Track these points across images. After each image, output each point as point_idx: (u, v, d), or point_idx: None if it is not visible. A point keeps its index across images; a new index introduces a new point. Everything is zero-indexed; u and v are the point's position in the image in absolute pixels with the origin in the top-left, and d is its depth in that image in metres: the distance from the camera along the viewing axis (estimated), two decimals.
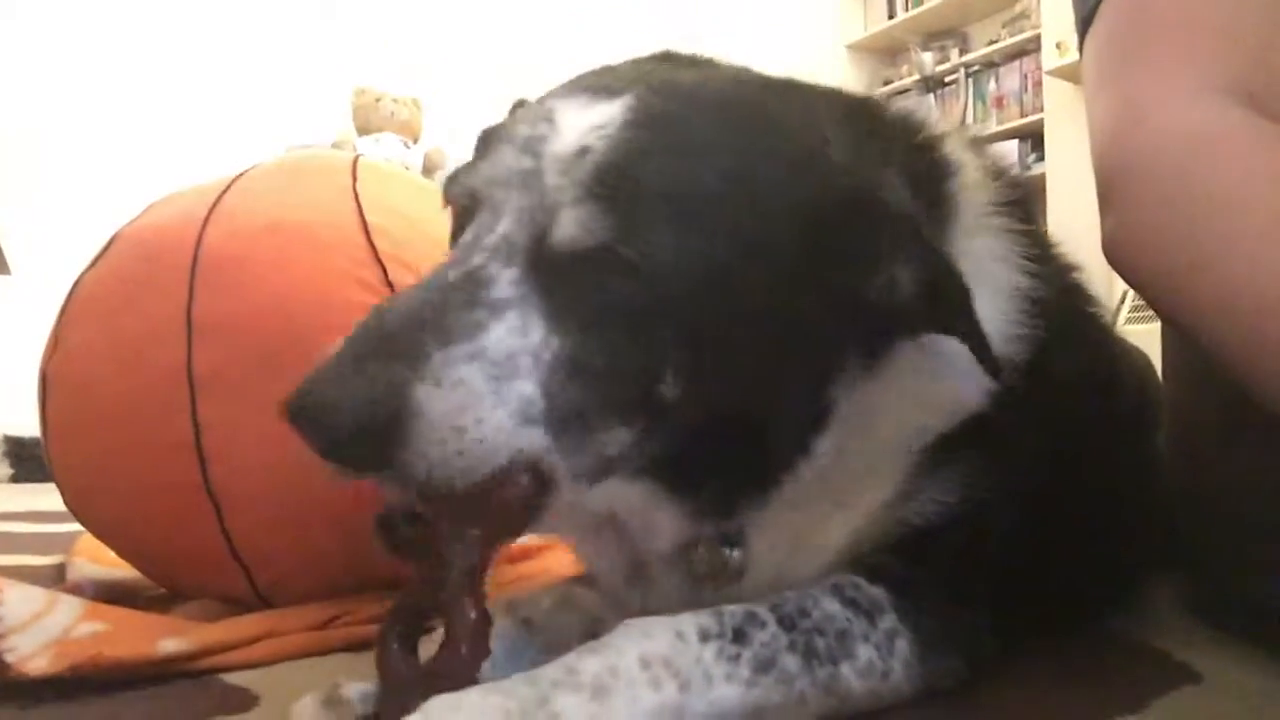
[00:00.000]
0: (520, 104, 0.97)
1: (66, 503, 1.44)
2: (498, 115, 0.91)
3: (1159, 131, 0.88)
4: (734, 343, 0.79)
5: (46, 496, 3.03)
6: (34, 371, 1.43)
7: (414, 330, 0.71)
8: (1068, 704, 0.90)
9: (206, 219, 1.33)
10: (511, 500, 0.74)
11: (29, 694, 0.98)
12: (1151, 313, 0.99)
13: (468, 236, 0.78)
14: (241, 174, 1.44)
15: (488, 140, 0.83)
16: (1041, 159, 5.94)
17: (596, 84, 0.82)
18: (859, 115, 0.91)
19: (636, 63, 0.90)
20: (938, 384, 0.90)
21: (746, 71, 0.93)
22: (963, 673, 0.91)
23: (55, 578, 1.63)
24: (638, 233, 0.74)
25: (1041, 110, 5.99)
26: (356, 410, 0.68)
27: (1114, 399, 1.19)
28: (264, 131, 4.91)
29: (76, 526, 1.87)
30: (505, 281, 0.75)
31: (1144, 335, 1.44)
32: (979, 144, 1.01)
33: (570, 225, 0.75)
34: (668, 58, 0.94)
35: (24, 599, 1.07)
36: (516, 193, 0.77)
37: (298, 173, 1.46)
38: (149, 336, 1.27)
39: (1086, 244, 1.15)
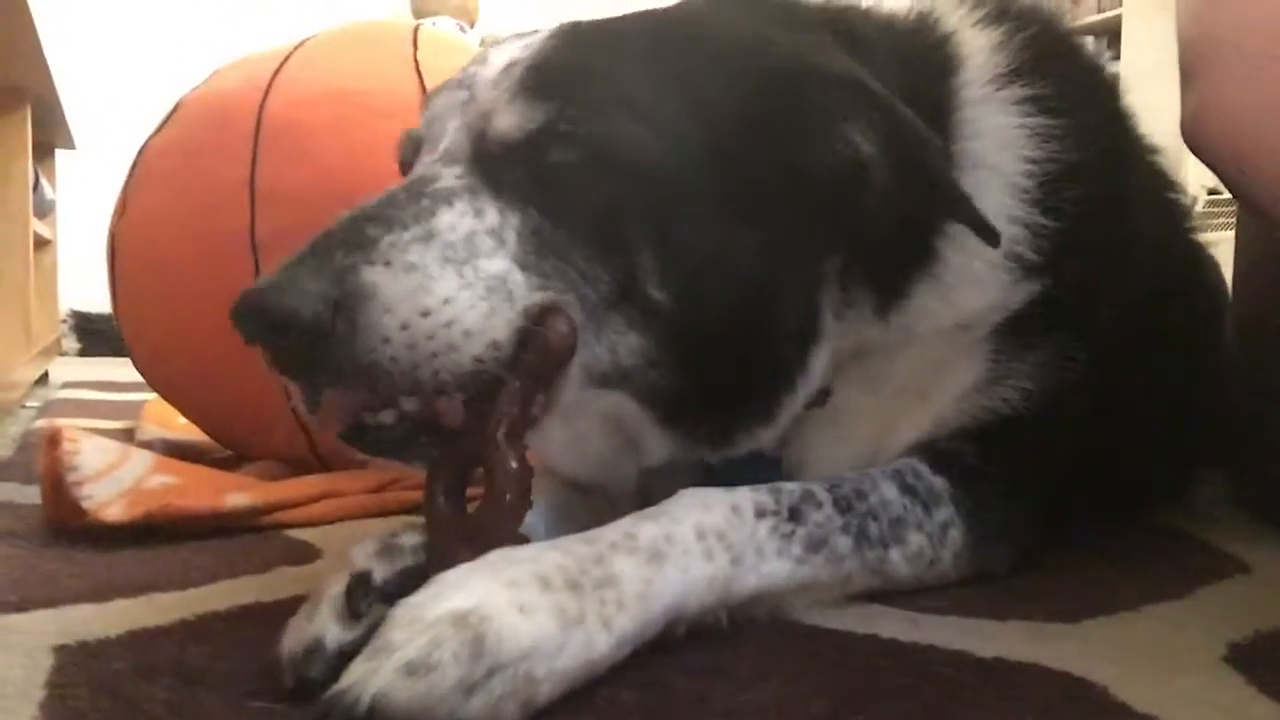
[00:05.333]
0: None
1: (135, 363, 1.48)
2: None
3: (1250, 2, 0.84)
4: (703, 238, 0.78)
5: (114, 368, 3.13)
6: (100, 247, 1.46)
7: (359, 224, 0.70)
8: (1115, 589, 0.91)
9: (269, 86, 1.33)
10: (553, 343, 0.74)
11: (105, 539, 1.03)
12: (1221, 221, 0.96)
13: (416, 169, 0.78)
14: (303, 42, 1.44)
15: (428, 97, 0.85)
16: (1117, 57, 5.71)
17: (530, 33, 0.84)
18: (831, 24, 0.88)
19: None
20: (980, 279, 0.89)
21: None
22: (1011, 561, 0.92)
23: (125, 441, 1.68)
24: (573, 110, 0.74)
25: (1120, 6, 5.74)
26: (302, 299, 0.65)
27: (1189, 284, 1.16)
28: (321, 15, 4.86)
29: (144, 395, 1.93)
30: (449, 176, 0.75)
31: (1215, 244, 1.40)
32: (1002, 11, 0.96)
33: (505, 118, 0.75)
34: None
35: (99, 450, 1.11)
36: (454, 119, 0.78)
37: (359, 41, 1.45)
38: (213, 202, 1.28)
39: (1163, 145, 1.12)
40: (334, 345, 0.67)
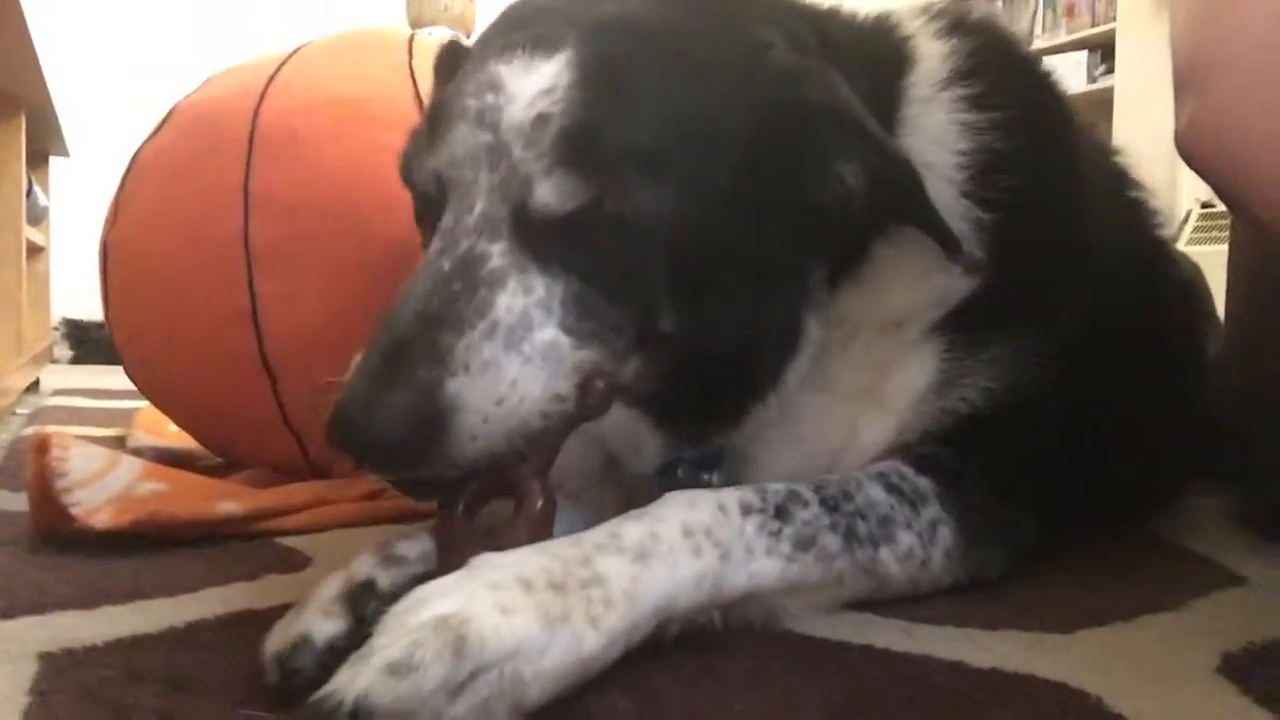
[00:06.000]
0: (452, 48, 0.97)
1: (126, 370, 1.48)
2: None
3: (1246, 13, 0.84)
4: (714, 274, 0.80)
5: (106, 376, 3.13)
6: (93, 255, 1.45)
7: (430, 328, 0.72)
8: (1110, 600, 0.90)
9: (264, 92, 1.33)
10: (590, 405, 0.78)
11: (93, 546, 1.02)
12: (1214, 234, 0.96)
13: (447, 221, 0.78)
14: (298, 49, 1.44)
15: (437, 116, 0.82)
16: (1110, 71, 5.74)
17: (530, 35, 0.79)
18: (805, 26, 0.89)
19: None
20: (911, 275, 0.90)
21: None
22: (1004, 565, 0.92)
23: (116, 448, 1.68)
24: (615, 189, 0.75)
25: (1114, 20, 5.77)
26: (398, 423, 0.68)
27: (1154, 278, 1.16)
28: (316, 24, 4.87)
29: (136, 403, 1.92)
30: (496, 254, 0.76)
31: (1208, 256, 1.41)
32: (956, 26, 0.98)
33: (548, 193, 0.75)
34: None
35: (89, 456, 1.10)
36: (484, 171, 0.77)
37: (353, 48, 1.45)
38: (207, 208, 1.28)
39: (1154, 161, 1.12)
40: (431, 456, 0.70)
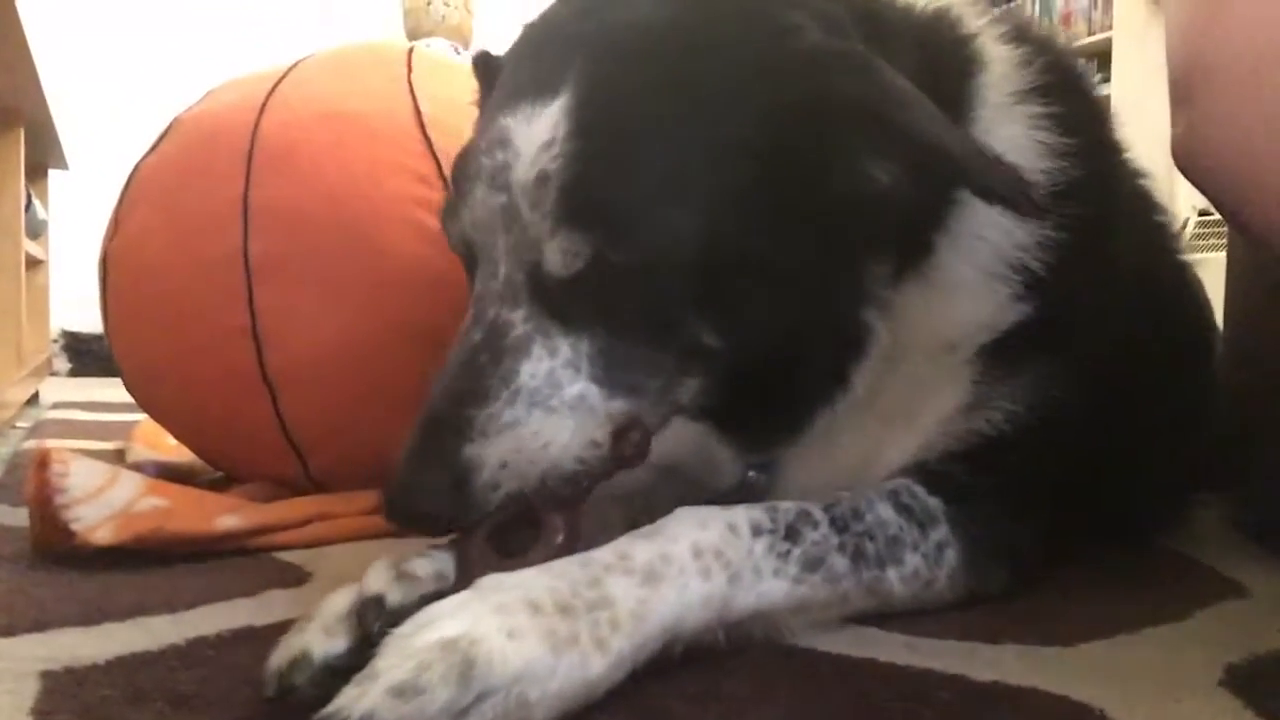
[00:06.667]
0: (482, 59, 0.99)
1: (126, 384, 1.48)
2: None
3: (1241, 21, 0.84)
4: (750, 285, 0.79)
5: (105, 389, 3.12)
6: (92, 268, 1.45)
7: (458, 405, 0.76)
8: (1113, 612, 0.90)
9: (263, 106, 1.33)
10: (626, 454, 0.79)
11: (94, 562, 1.02)
12: (1211, 241, 0.96)
13: (477, 288, 0.81)
14: (297, 63, 1.44)
15: (459, 173, 0.83)
16: (1108, 79, 5.75)
17: (534, 74, 0.79)
18: (847, 10, 0.84)
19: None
20: (976, 289, 0.90)
21: None
22: (1007, 583, 0.92)
23: (115, 463, 1.67)
24: (616, 240, 0.75)
25: (1110, 29, 5.78)
26: (429, 492, 0.74)
27: (1176, 305, 1.16)
28: (314, 36, 4.88)
29: (135, 416, 1.92)
30: (519, 321, 0.78)
31: (1206, 263, 1.40)
32: (1022, 34, 0.97)
33: (556, 256, 0.76)
34: None
35: (89, 472, 1.10)
36: (501, 235, 0.78)
37: (353, 62, 1.45)
38: (206, 222, 1.28)
39: (1151, 169, 1.13)
40: (463, 514, 0.75)
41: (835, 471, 0.92)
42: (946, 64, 0.91)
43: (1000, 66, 0.94)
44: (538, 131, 0.76)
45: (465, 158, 0.83)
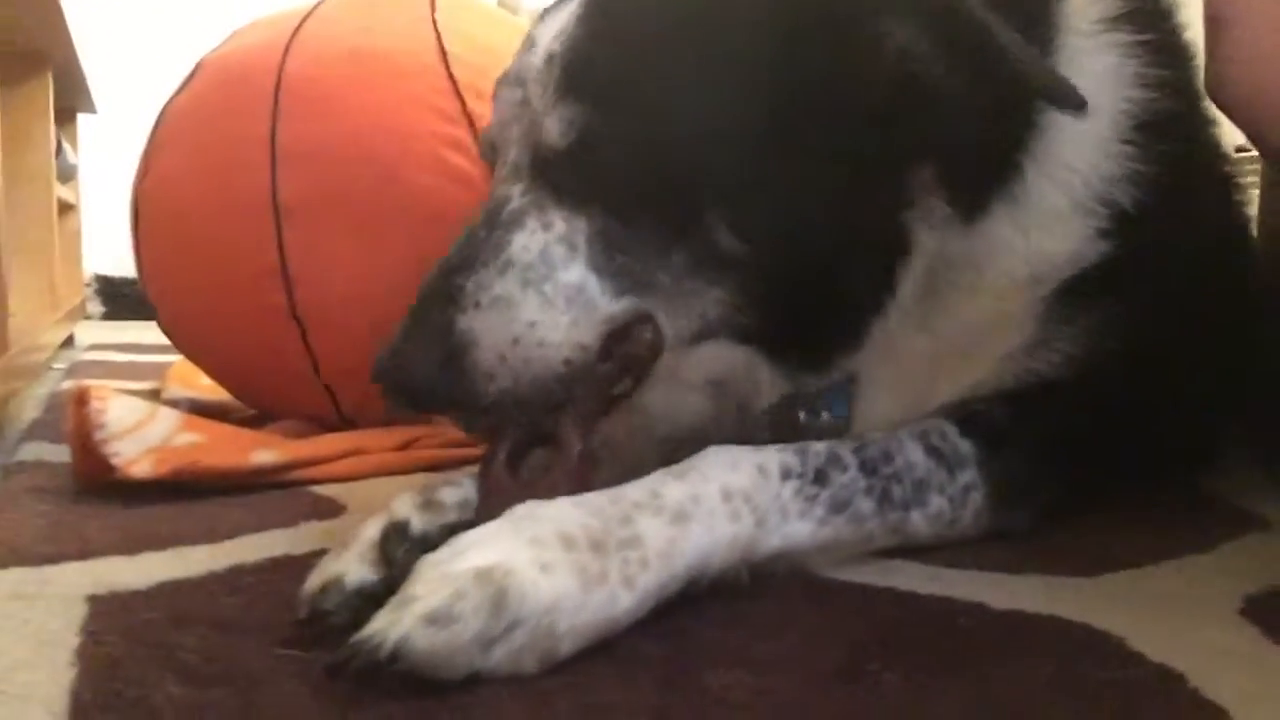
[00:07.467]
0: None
1: (160, 324, 1.50)
2: None
3: None
4: (767, 178, 0.78)
5: (139, 331, 3.16)
6: (123, 211, 1.47)
7: (452, 274, 0.76)
8: (1132, 544, 0.91)
9: (288, 46, 1.33)
10: (637, 353, 0.78)
11: (133, 494, 1.05)
12: (1246, 179, 0.94)
13: (495, 182, 0.82)
14: (321, 1, 1.43)
15: (496, 86, 0.86)
16: None
17: None
18: None
19: None
20: (1067, 219, 0.87)
21: None
22: (1031, 523, 0.91)
23: (152, 401, 1.70)
24: (608, 107, 0.76)
25: None
26: (421, 362, 0.74)
27: (1238, 259, 1.13)
28: None
29: (169, 357, 1.95)
30: (516, 195, 0.79)
31: None
32: None
33: (553, 126, 0.77)
34: None
35: (127, 408, 1.12)
36: (515, 125, 0.81)
37: (377, 1, 1.45)
38: (235, 162, 1.29)
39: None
40: (454, 395, 0.75)
41: (906, 406, 0.91)
42: None
43: None
44: (552, 26, 0.80)
45: (500, 78, 0.85)
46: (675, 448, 0.81)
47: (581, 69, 0.77)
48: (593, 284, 0.77)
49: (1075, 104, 0.75)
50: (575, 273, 0.76)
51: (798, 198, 0.79)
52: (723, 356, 0.84)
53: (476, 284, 0.75)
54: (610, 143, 0.76)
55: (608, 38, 0.78)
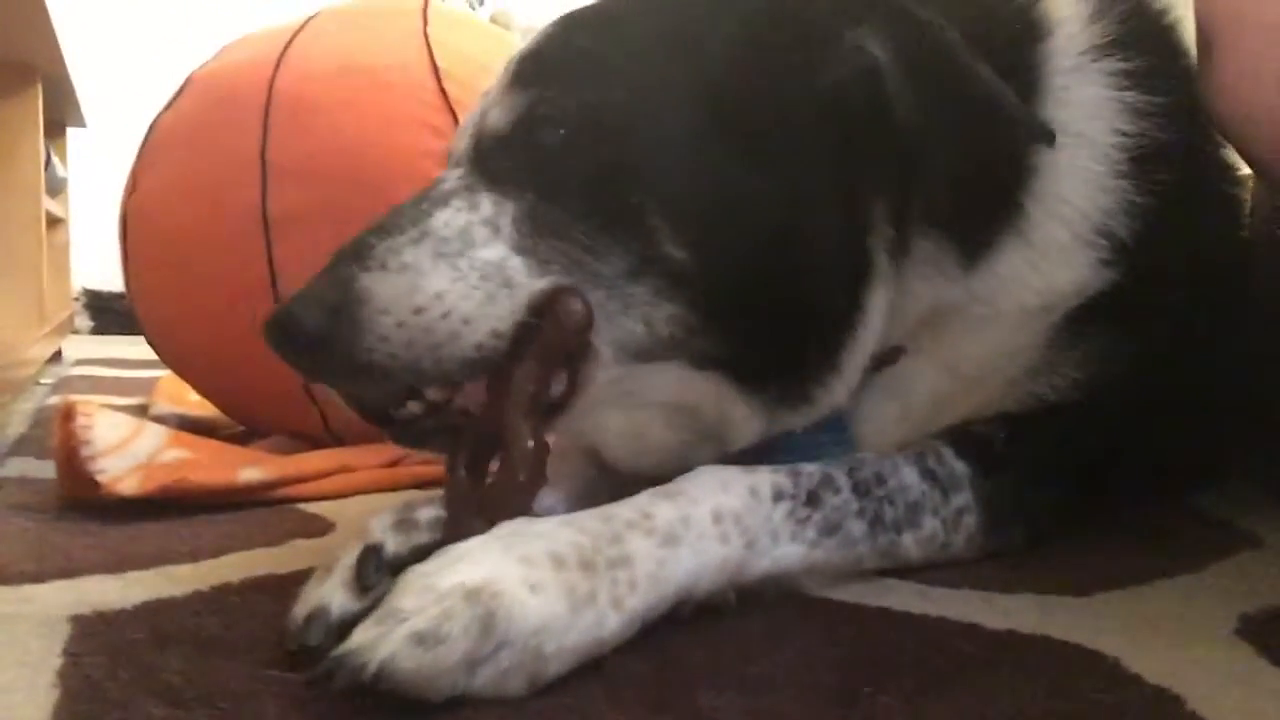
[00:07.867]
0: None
1: (148, 339, 1.49)
2: None
3: None
4: (710, 182, 0.77)
5: (126, 346, 3.15)
6: (112, 225, 1.46)
7: (364, 236, 0.75)
8: (1126, 563, 0.90)
9: (279, 61, 1.33)
10: (564, 322, 0.74)
11: (119, 512, 1.03)
12: None
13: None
14: (312, 16, 1.43)
15: None
16: None
17: None
18: None
19: None
20: (1071, 251, 0.87)
21: None
22: (1024, 544, 0.91)
23: (138, 417, 1.69)
24: (550, 92, 0.77)
25: None
26: (307, 310, 0.71)
27: (1241, 282, 1.12)
28: None
29: (157, 372, 1.94)
30: (452, 178, 0.79)
31: None
32: None
33: (495, 113, 0.79)
34: None
35: (113, 425, 1.11)
36: (470, 124, 0.83)
37: (368, 16, 1.45)
38: (225, 177, 1.28)
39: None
40: (336, 348, 0.72)
41: (908, 433, 0.90)
42: (1008, 30, 0.87)
43: (1071, 25, 0.89)
44: (529, 39, 0.83)
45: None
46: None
47: (531, 61, 0.80)
48: (515, 263, 0.74)
49: (1042, 136, 0.77)
50: (494, 251, 0.75)
51: (740, 208, 0.77)
52: (687, 382, 0.82)
53: (387, 248, 0.73)
54: (547, 125, 0.77)
55: (565, 35, 0.81)
